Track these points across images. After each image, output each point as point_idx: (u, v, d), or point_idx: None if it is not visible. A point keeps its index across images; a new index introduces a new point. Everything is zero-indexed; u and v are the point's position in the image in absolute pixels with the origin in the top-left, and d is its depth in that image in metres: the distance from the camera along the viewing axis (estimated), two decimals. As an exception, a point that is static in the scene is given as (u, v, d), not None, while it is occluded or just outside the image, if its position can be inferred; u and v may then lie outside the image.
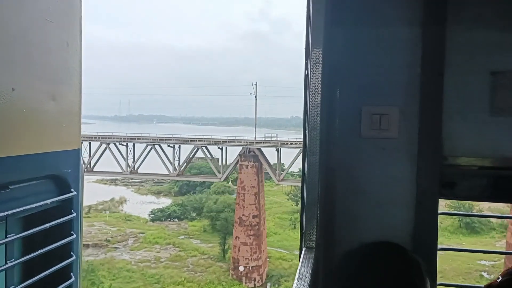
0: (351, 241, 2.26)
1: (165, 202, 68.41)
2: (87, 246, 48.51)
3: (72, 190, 2.15)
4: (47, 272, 1.95)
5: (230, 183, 61.74)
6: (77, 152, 2.22)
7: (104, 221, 57.12)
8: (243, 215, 46.75)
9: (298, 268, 1.91)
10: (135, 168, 50.50)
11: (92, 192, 69.83)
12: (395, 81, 2.47)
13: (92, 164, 50.82)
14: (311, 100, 2.15)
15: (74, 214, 2.15)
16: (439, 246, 2.48)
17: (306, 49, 2.25)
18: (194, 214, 57.92)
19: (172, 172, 50.02)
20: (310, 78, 2.16)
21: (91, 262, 42.62)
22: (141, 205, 67.08)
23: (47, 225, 1.96)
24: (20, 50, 1.78)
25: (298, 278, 1.80)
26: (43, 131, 1.95)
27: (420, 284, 1.74)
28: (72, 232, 2.15)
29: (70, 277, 2.14)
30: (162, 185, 74.91)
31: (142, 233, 52.45)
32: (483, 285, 1.93)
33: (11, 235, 1.75)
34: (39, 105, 1.91)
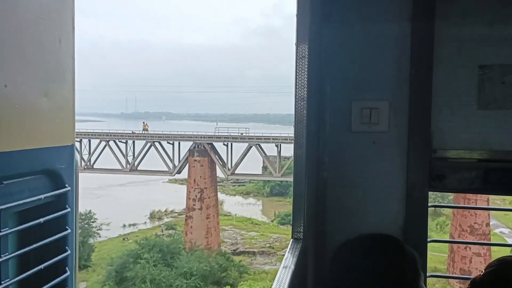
0: (341, 233, 2.29)
1: (258, 203, 67.35)
2: (253, 253, 47.79)
3: (67, 185, 2.17)
4: (41, 266, 1.98)
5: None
6: (71, 148, 2.24)
7: (230, 224, 55.59)
8: (475, 223, 41.39)
9: (284, 258, 1.95)
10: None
11: (178, 193, 68.04)
12: (385, 76, 2.50)
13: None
14: (297, 93, 2.17)
15: (69, 209, 2.18)
16: (429, 239, 2.51)
17: (296, 44, 2.27)
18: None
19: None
20: (297, 72, 2.18)
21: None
22: (241, 206, 66.39)
23: (41, 219, 1.99)
24: (12, 47, 1.80)
25: (283, 267, 1.84)
26: (36, 127, 1.97)
27: (414, 279, 1.74)
28: (67, 227, 2.17)
29: (66, 271, 2.17)
30: (244, 185, 73.92)
31: (296, 239, 50.58)
32: (471, 275, 1.96)
33: (4, 229, 1.77)
34: (32, 101, 1.93)
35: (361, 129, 2.53)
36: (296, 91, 2.20)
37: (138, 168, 51.21)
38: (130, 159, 50.95)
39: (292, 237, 2.19)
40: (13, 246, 1.95)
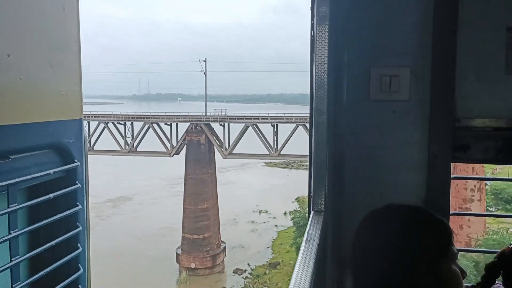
0: (360, 206, 2.21)
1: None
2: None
3: (76, 160, 2.11)
4: (53, 242, 1.94)
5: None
6: (79, 122, 2.17)
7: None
8: None
9: (307, 231, 1.88)
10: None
11: (290, 177, 67.05)
12: (406, 40, 2.37)
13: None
14: (317, 58, 2.06)
15: (79, 185, 2.12)
16: (451, 211, 2.41)
17: (312, 8, 2.16)
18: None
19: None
20: (316, 36, 2.07)
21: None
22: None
23: (51, 195, 1.93)
24: (14, 14, 1.70)
25: (306, 240, 1.77)
26: (42, 100, 1.90)
27: (441, 255, 1.63)
28: (77, 203, 2.12)
29: (78, 248, 2.13)
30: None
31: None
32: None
33: (13, 205, 1.71)
34: (36, 72, 1.85)
35: (380, 98, 2.41)
36: (315, 56, 2.09)
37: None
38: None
39: (312, 210, 2.12)
40: (23, 223, 1.90)
